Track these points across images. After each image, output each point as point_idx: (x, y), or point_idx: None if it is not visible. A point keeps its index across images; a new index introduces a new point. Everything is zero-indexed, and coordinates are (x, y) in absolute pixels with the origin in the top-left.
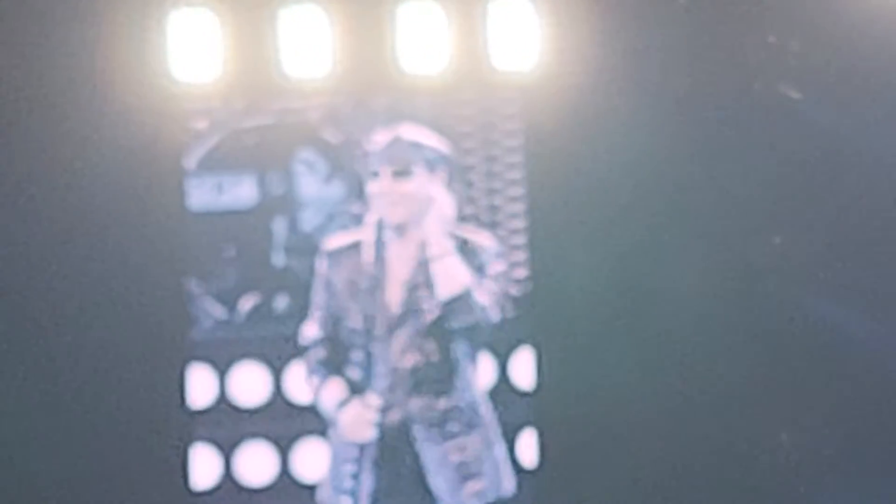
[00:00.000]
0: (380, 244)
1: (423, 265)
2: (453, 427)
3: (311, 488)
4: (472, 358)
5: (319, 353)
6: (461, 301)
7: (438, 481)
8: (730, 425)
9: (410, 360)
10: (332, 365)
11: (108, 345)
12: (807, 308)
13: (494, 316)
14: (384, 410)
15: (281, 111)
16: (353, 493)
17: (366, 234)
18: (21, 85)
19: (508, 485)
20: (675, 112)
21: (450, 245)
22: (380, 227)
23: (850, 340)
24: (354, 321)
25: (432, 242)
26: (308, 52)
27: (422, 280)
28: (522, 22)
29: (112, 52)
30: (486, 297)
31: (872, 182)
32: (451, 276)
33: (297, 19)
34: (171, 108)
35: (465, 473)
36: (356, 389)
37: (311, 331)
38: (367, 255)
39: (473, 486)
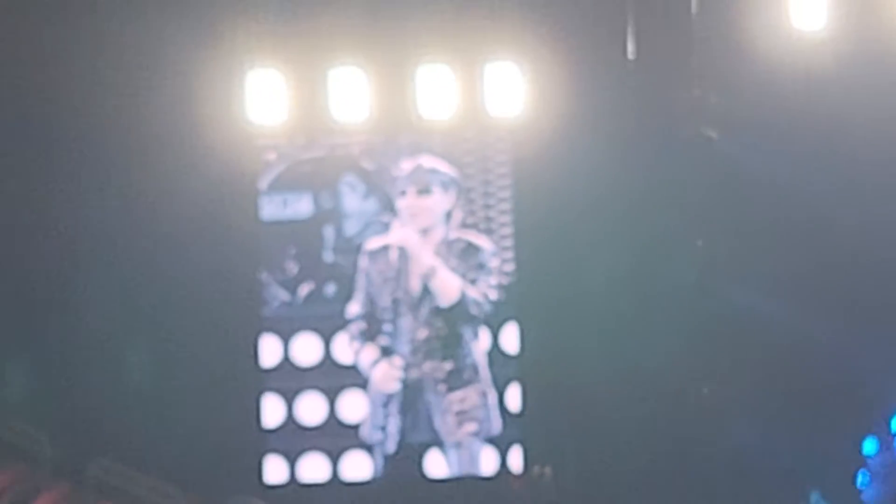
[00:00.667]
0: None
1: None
2: (455, 383)
3: (353, 427)
4: (473, 330)
5: (359, 325)
6: (459, 304)
7: (442, 423)
8: (667, 382)
9: (425, 333)
10: (369, 334)
11: (203, 319)
12: (722, 294)
13: (487, 301)
14: (406, 369)
15: (330, 146)
16: (385, 430)
17: (395, 239)
18: (138, 125)
19: (496, 427)
20: (623, 147)
21: (442, 263)
22: (405, 232)
23: (753, 317)
24: (385, 302)
25: (427, 260)
26: (351, 101)
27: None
28: (511, 80)
29: (206, 101)
30: (480, 291)
31: (771, 199)
32: (448, 288)
33: (342, 77)
34: (248, 144)
35: (463, 418)
36: (386, 353)
37: (353, 309)
38: (395, 253)
39: (469, 427)
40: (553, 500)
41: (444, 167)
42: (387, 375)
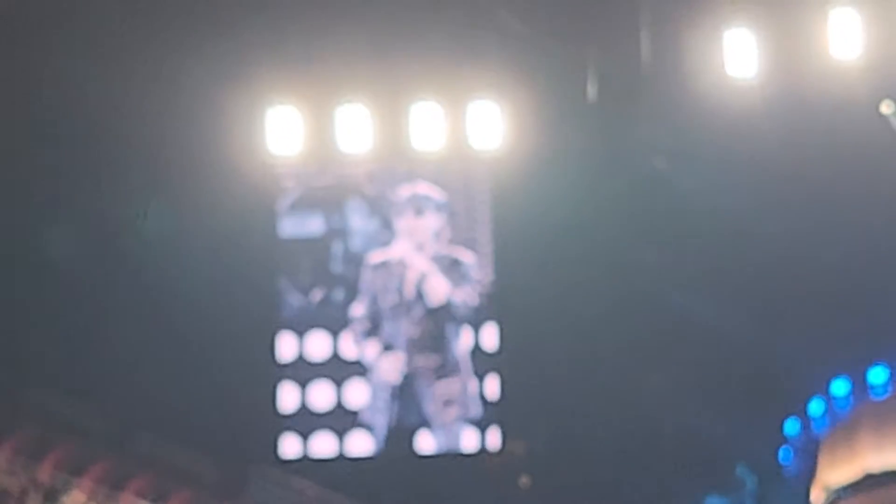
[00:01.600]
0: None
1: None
2: (442, 374)
3: (356, 411)
4: (456, 329)
5: (363, 325)
6: (445, 306)
7: (430, 408)
8: (622, 371)
9: (418, 331)
10: (371, 332)
11: (231, 320)
12: (674, 296)
13: (469, 305)
14: (402, 362)
15: (339, 175)
16: (384, 413)
17: (395, 252)
18: (174, 156)
19: (476, 411)
20: (586, 175)
21: (435, 268)
22: (404, 247)
23: (695, 316)
24: (385, 306)
25: (421, 269)
26: (355, 135)
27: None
28: (491, 117)
29: (231, 134)
30: (464, 295)
31: (709, 219)
32: (437, 291)
33: (348, 114)
34: (268, 172)
35: (447, 405)
36: (386, 348)
37: (358, 311)
38: (394, 264)
39: (452, 412)
40: (526, 473)
41: (435, 193)
42: (390, 368)
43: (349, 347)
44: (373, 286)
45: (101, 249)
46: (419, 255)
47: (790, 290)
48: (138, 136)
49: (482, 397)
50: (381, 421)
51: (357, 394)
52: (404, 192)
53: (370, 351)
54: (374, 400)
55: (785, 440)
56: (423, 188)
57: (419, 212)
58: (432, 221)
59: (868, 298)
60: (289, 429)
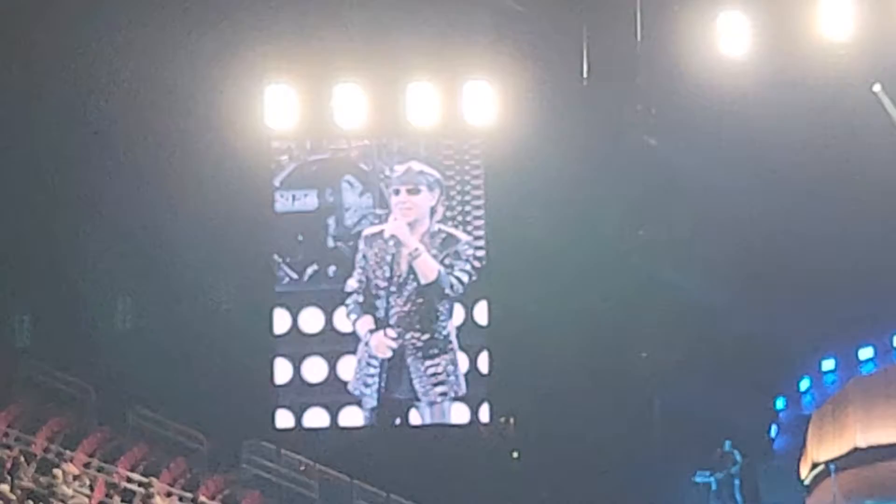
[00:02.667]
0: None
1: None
2: (430, 352)
3: (348, 386)
4: (447, 307)
5: (356, 300)
6: (436, 283)
7: (419, 384)
8: (612, 347)
9: (409, 307)
10: (364, 307)
11: (226, 294)
12: (659, 274)
13: (461, 283)
14: (392, 339)
15: (333, 150)
16: (372, 388)
17: (388, 227)
18: (175, 131)
19: (462, 389)
20: (578, 152)
21: (428, 245)
22: (398, 224)
23: (684, 293)
24: (379, 280)
25: (414, 246)
26: (350, 112)
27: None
28: (485, 96)
29: (230, 111)
30: (455, 274)
31: (701, 195)
32: (428, 269)
33: (344, 92)
34: (264, 147)
35: (435, 381)
36: (379, 324)
37: (351, 286)
38: (388, 241)
39: (441, 388)
40: (514, 446)
41: (430, 170)
42: (381, 343)
43: (343, 322)
44: (367, 262)
45: (99, 223)
46: (412, 232)
47: (780, 269)
48: (138, 112)
49: (475, 372)
50: (373, 395)
51: (349, 368)
52: (399, 169)
53: (364, 325)
54: (365, 374)
55: (775, 417)
56: (419, 165)
57: (413, 189)
58: (426, 198)
59: (858, 278)
60: (283, 402)
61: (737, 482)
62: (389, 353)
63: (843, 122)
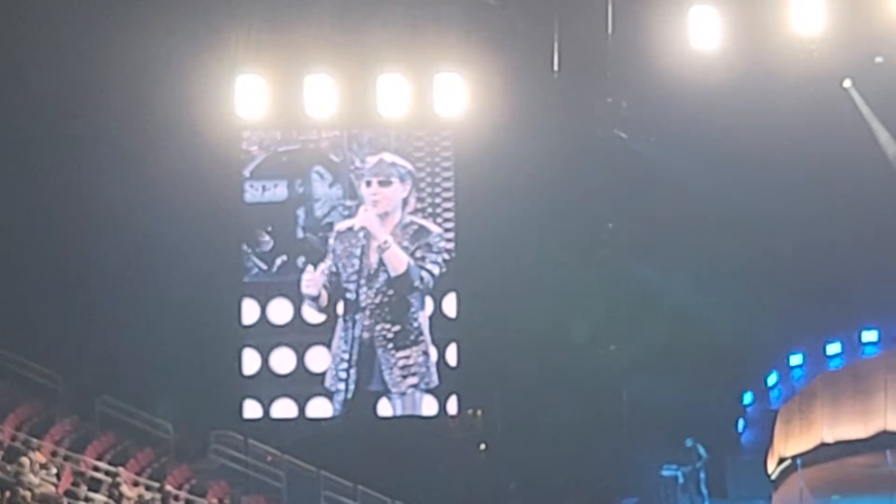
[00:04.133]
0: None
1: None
2: (401, 343)
3: (317, 375)
4: (418, 299)
5: (325, 292)
6: (406, 275)
7: (388, 377)
8: (580, 341)
9: (379, 299)
10: (333, 299)
11: (195, 284)
12: (628, 268)
13: (431, 275)
14: (362, 330)
15: (303, 140)
16: (345, 381)
17: (359, 221)
18: (144, 120)
19: (434, 380)
20: (549, 144)
21: (398, 237)
22: (368, 216)
23: (653, 287)
24: (349, 272)
25: (383, 238)
26: (321, 103)
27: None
28: (456, 88)
29: (200, 100)
30: (425, 266)
31: (671, 189)
32: (397, 262)
33: (315, 83)
34: (234, 137)
35: (406, 372)
36: (348, 316)
37: (320, 278)
38: (358, 233)
39: (411, 380)
40: (482, 438)
41: (402, 161)
42: (351, 334)
43: (309, 313)
44: (338, 252)
45: (68, 213)
46: (383, 224)
47: (749, 264)
48: (108, 101)
49: (444, 364)
50: (341, 387)
51: (318, 360)
52: (371, 160)
53: (331, 317)
54: (334, 366)
55: (742, 411)
56: (390, 157)
57: (385, 181)
58: (398, 190)
59: (827, 273)
60: (251, 393)
61: (702, 476)
62: (359, 346)
63: (814, 118)
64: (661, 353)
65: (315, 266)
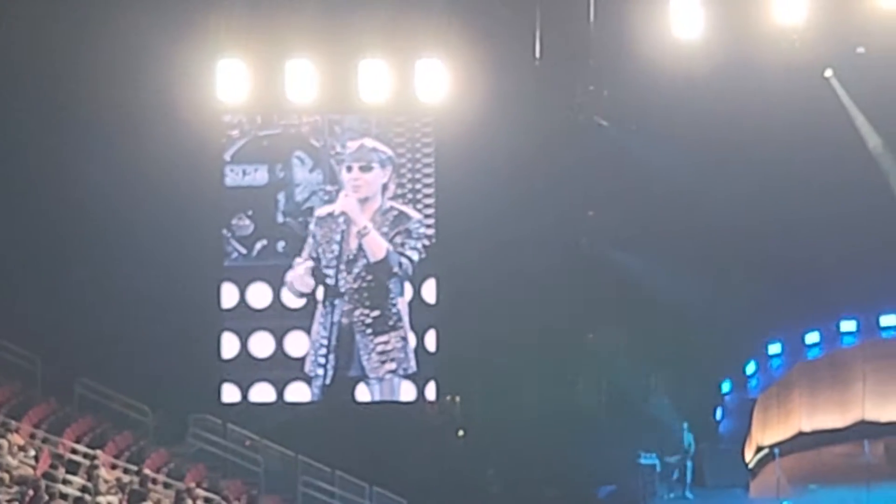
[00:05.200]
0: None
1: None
2: (380, 328)
3: (296, 360)
4: (397, 285)
5: (305, 276)
6: (385, 261)
7: (367, 361)
8: (559, 327)
9: (358, 284)
10: (312, 284)
11: (175, 267)
12: (607, 256)
13: (410, 261)
14: (341, 315)
15: (284, 125)
16: (324, 366)
17: (339, 206)
18: (127, 103)
19: (412, 366)
20: (530, 131)
21: (375, 227)
22: (348, 201)
23: (632, 275)
24: (328, 257)
25: (363, 224)
26: (302, 88)
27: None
28: (437, 74)
29: (182, 84)
30: (405, 252)
31: (650, 177)
32: (376, 248)
33: (296, 68)
34: (215, 121)
35: (384, 358)
36: (327, 300)
37: (300, 262)
38: (339, 218)
39: (389, 366)
40: (460, 424)
41: (383, 147)
42: (330, 320)
43: (289, 298)
44: (318, 237)
45: (47, 196)
46: (363, 210)
47: (728, 253)
48: (89, 85)
49: (422, 349)
50: (320, 371)
51: (297, 344)
52: (352, 145)
53: (311, 302)
54: (313, 351)
55: (720, 400)
56: (372, 142)
57: (366, 166)
58: (378, 175)
59: (805, 263)
60: (229, 376)
61: (689, 464)
62: (339, 331)
63: (795, 107)
64: (639, 342)
65: (298, 254)
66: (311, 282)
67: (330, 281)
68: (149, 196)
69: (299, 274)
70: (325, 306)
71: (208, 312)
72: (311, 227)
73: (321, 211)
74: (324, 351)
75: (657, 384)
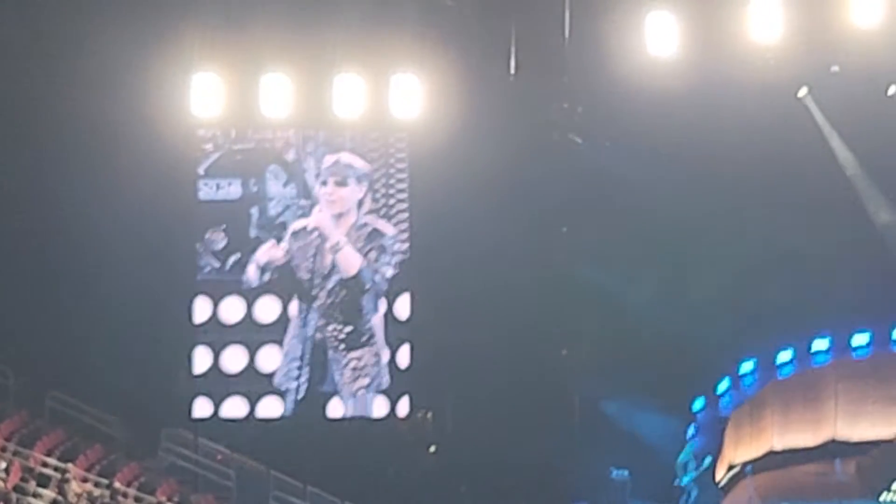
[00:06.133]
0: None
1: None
2: (353, 344)
3: (268, 375)
4: (371, 301)
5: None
6: (358, 277)
7: (339, 377)
8: (533, 344)
9: (331, 300)
10: (285, 299)
11: (147, 281)
12: (581, 273)
13: (384, 276)
14: (314, 331)
15: (258, 139)
16: (296, 381)
17: (313, 221)
18: (100, 117)
19: (386, 381)
20: (504, 147)
21: (349, 242)
22: (323, 216)
23: (606, 293)
24: (303, 273)
25: (336, 239)
26: (277, 103)
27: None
28: (411, 89)
29: (156, 98)
30: (378, 267)
31: (624, 194)
32: (350, 264)
33: (271, 82)
34: (189, 134)
35: (357, 374)
36: (300, 315)
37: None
38: (313, 233)
39: (362, 381)
40: (433, 439)
41: (359, 162)
42: (303, 334)
43: (262, 312)
44: (291, 254)
45: (20, 210)
46: (337, 225)
47: (701, 270)
48: (62, 99)
49: (395, 365)
50: (292, 386)
51: (269, 359)
52: (328, 160)
53: (283, 317)
54: (285, 366)
55: (692, 417)
56: (348, 157)
57: (341, 181)
58: (354, 191)
59: (778, 280)
60: (201, 391)
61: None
62: (311, 346)
63: (770, 125)
64: (612, 358)
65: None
66: (279, 255)
67: (304, 295)
68: (122, 209)
69: (266, 249)
70: (298, 321)
71: (181, 326)
72: (285, 241)
73: (296, 225)
74: (297, 365)
75: (629, 400)
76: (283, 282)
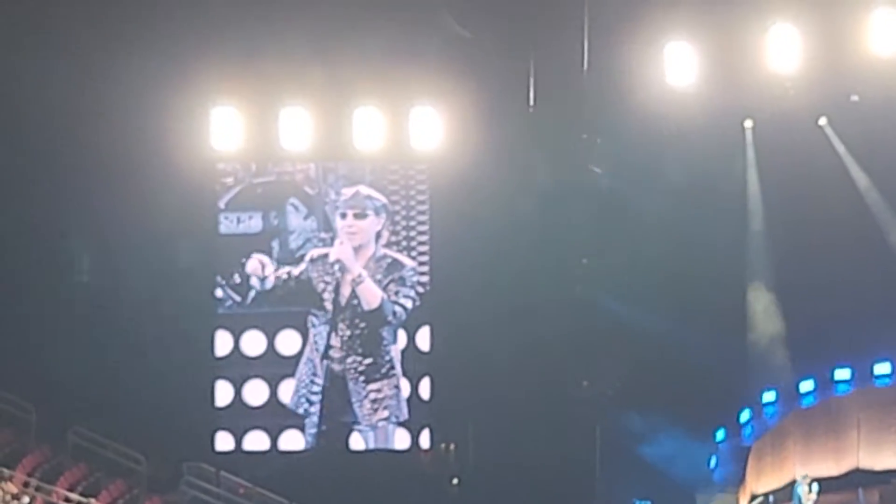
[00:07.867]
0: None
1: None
2: (373, 376)
3: (290, 407)
4: (391, 333)
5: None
6: (379, 310)
7: (360, 409)
8: (553, 375)
9: (351, 332)
10: (306, 332)
11: (169, 315)
12: (602, 304)
13: (404, 309)
14: (333, 363)
15: (279, 172)
16: (315, 406)
17: (333, 251)
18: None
19: (405, 413)
20: (523, 179)
21: (369, 275)
22: (343, 248)
23: (627, 324)
24: (323, 306)
25: (358, 272)
26: (297, 136)
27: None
28: (431, 122)
29: (177, 132)
30: (398, 300)
31: (644, 224)
32: (370, 296)
33: (291, 116)
34: (210, 168)
35: (377, 406)
36: (321, 349)
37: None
38: (333, 265)
39: (382, 413)
40: (455, 472)
41: (377, 195)
42: (324, 368)
43: (283, 345)
44: (313, 283)
45: (41, 245)
46: (357, 257)
47: (723, 301)
48: (83, 133)
49: (416, 397)
50: (314, 419)
51: (289, 391)
52: (346, 192)
53: (304, 350)
54: (306, 398)
55: (714, 448)
56: (367, 190)
57: (360, 213)
58: (373, 223)
59: (800, 311)
60: (223, 424)
61: None
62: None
63: (789, 155)
64: (633, 390)
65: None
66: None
67: (324, 326)
68: (143, 244)
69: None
70: (318, 353)
71: (202, 360)
72: (305, 268)
73: (315, 252)
74: (318, 391)
75: (651, 431)
76: (300, 297)
